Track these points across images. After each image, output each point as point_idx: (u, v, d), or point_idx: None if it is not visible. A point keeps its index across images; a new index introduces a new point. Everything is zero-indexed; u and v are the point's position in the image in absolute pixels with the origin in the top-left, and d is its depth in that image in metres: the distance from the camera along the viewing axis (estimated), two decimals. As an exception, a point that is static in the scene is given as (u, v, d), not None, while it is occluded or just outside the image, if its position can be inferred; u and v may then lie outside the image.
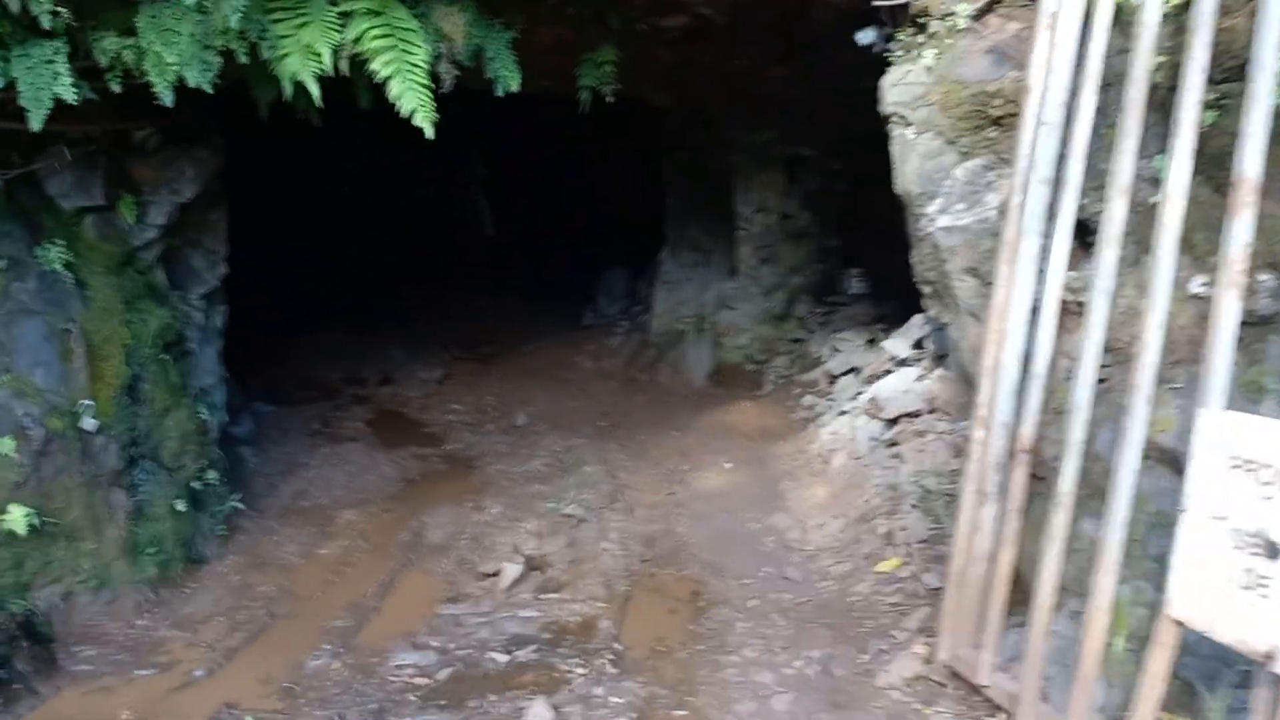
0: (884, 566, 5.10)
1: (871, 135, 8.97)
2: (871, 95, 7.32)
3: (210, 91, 4.51)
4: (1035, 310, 3.88)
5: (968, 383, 5.14)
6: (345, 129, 15.91)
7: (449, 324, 13.83)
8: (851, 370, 7.69)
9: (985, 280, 4.64)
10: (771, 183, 8.80)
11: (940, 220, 4.84)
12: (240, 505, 6.44)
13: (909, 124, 4.97)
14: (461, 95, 5.20)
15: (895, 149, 5.04)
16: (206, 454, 6.30)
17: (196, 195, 6.33)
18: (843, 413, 6.85)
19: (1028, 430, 3.77)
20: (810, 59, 6.37)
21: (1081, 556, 3.60)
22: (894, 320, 8.22)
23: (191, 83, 4.44)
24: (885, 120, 5.15)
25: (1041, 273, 3.89)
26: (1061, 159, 3.81)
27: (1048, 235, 3.86)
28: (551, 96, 8.08)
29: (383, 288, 16.79)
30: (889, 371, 6.60)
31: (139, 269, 6.07)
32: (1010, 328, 3.90)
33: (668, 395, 9.42)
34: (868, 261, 8.92)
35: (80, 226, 5.70)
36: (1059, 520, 3.55)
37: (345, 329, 13.37)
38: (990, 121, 4.66)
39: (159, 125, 6.10)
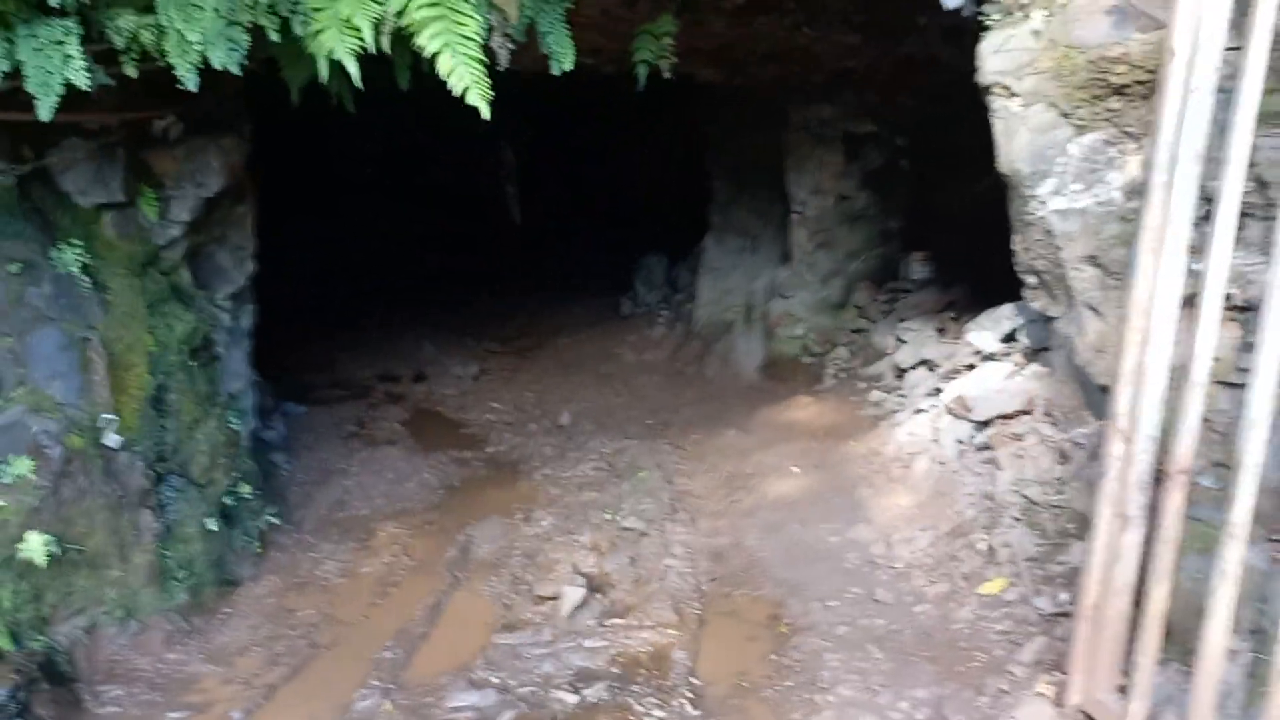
0: (988, 588, 4.60)
1: (940, 109, 8.49)
2: (945, 64, 6.75)
3: (238, 73, 4.04)
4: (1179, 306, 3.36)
5: (1081, 384, 4.63)
6: (368, 115, 15.50)
7: (482, 316, 13.39)
8: (923, 363, 7.16)
9: (1109, 270, 4.12)
10: (828, 162, 8.26)
11: (1053, 203, 4.32)
12: (275, 520, 6.01)
13: (1014, 95, 4.44)
14: (499, 76, 4.71)
15: (998, 123, 4.51)
16: (239, 466, 5.88)
17: (223, 188, 5.87)
18: (920, 411, 6.33)
19: (1185, 448, 3.26)
20: (884, 25, 5.83)
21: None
22: (964, 307, 7.68)
23: (217, 64, 3.97)
24: (984, 91, 4.62)
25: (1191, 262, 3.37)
26: (1217, 132, 3.28)
27: (1199, 220, 3.33)
28: (591, 75, 7.63)
29: (412, 277, 16.37)
30: (972, 366, 6.07)
31: (163, 269, 5.64)
32: (1157, 326, 3.38)
33: (718, 390, 8.92)
34: (932, 245, 8.38)
35: (99, 225, 5.28)
36: (1232, 554, 3.05)
37: (376, 322, 12.97)
38: (1112, 90, 4.13)
39: (181, 113, 5.65)
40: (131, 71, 4.19)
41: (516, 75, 5.07)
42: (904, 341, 7.62)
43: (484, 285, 15.79)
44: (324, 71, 4.17)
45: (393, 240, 17.50)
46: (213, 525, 5.35)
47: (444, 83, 3.99)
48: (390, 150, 18.53)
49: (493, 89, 4.07)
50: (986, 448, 5.40)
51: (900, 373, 7.32)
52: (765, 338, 8.83)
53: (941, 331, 7.43)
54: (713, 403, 8.55)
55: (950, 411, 5.78)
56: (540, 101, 19.60)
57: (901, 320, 7.84)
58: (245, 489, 5.82)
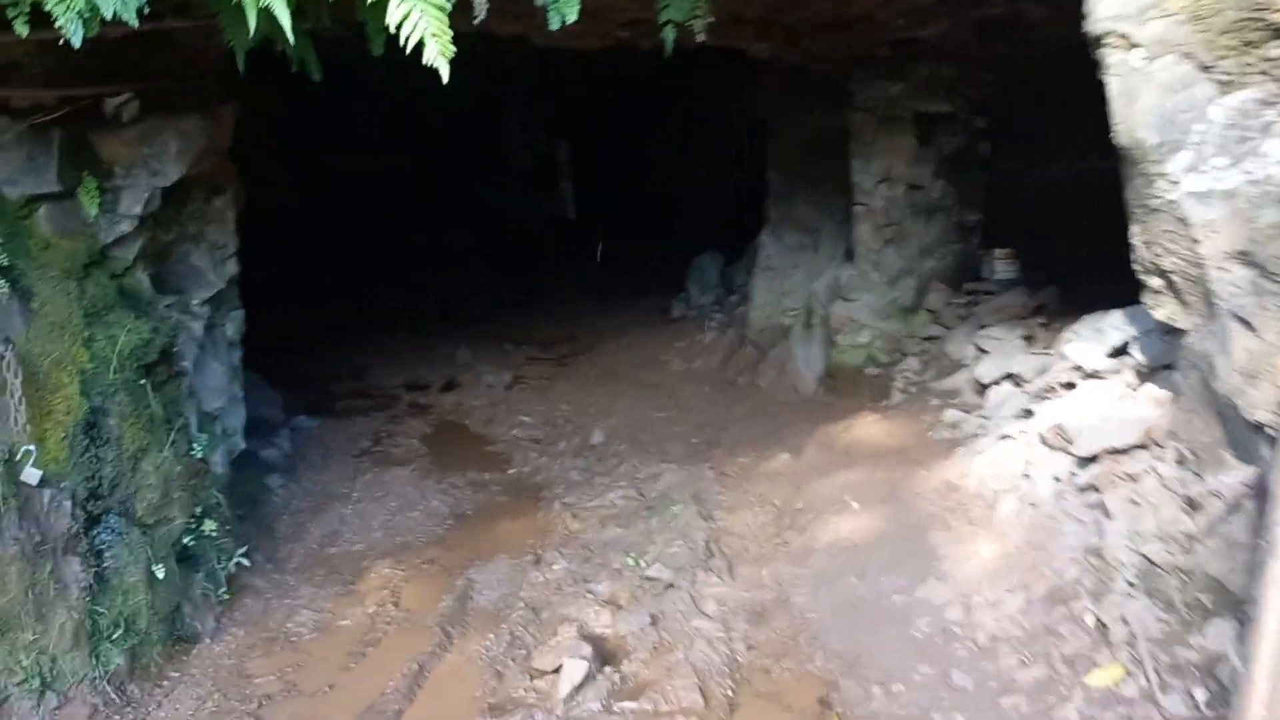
0: (1099, 678, 3.58)
1: (1027, 81, 7.41)
2: (1034, 26, 5.71)
3: (135, 24, 3.21)
4: None
5: (1220, 416, 3.58)
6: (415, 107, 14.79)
7: (523, 318, 12.61)
8: (1008, 378, 6.12)
9: (1266, 270, 3.09)
10: (898, 147, 7.24)
11: (1188, 182, 3.30)
12: (245, 561, 5.19)
13: (1134, 45, 3.43)
14: (536, 60, 3.84)
15: (1114, 84, 3.50)
16: (202, 499, 5.07)
17: (186, 176, 5.08)
18: (1006, 437, 5.30)
19: None
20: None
21: None
22: (1056, 313, 6.62)
23: (107, 12, 3.14)
24: (1094, 45, 3.61)
25: None
26: None
27: None
28: (634, 55, 6.79)
29: (450, 279, 15.64)
30: (1071, 385, 5.03)
31: (113, 272, 4.85)
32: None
33: (772, 404, 7.95)
34: (1017, 240, 7.32)
35: (31, 220, 4.50)
36: None
37: (414, 325, 12.25)
38: (1272, 33, 3.12)
39: (141, 89, 4.88)
40: (20, 29, 3.40)
41: (570, 66, 4.26)
42: (985, 352, 6.57)
43: (532, 287, 15.01)
44: (252, 21, 3.31)
45: (438, 240, 16.82)
46: (161, 573, 4.55)
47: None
48: (441, 147, 17.80)
49: (545, 81, 3.18)
50: (1091, 489, 4.37)
51: (981, 389, 6.28)
52: (826, 345, 7.83)
53: (1030, 340, 6.38)
54: (765, 419, 7.58)
55: (1045, 441, 4.76)
56: (594, 96, 18.87)
57: (982, 327, 6.79)
58: (210, 526, 5.02)
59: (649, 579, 4.88)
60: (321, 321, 12.82)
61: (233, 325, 5.99)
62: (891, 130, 7.22)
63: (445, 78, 3.13)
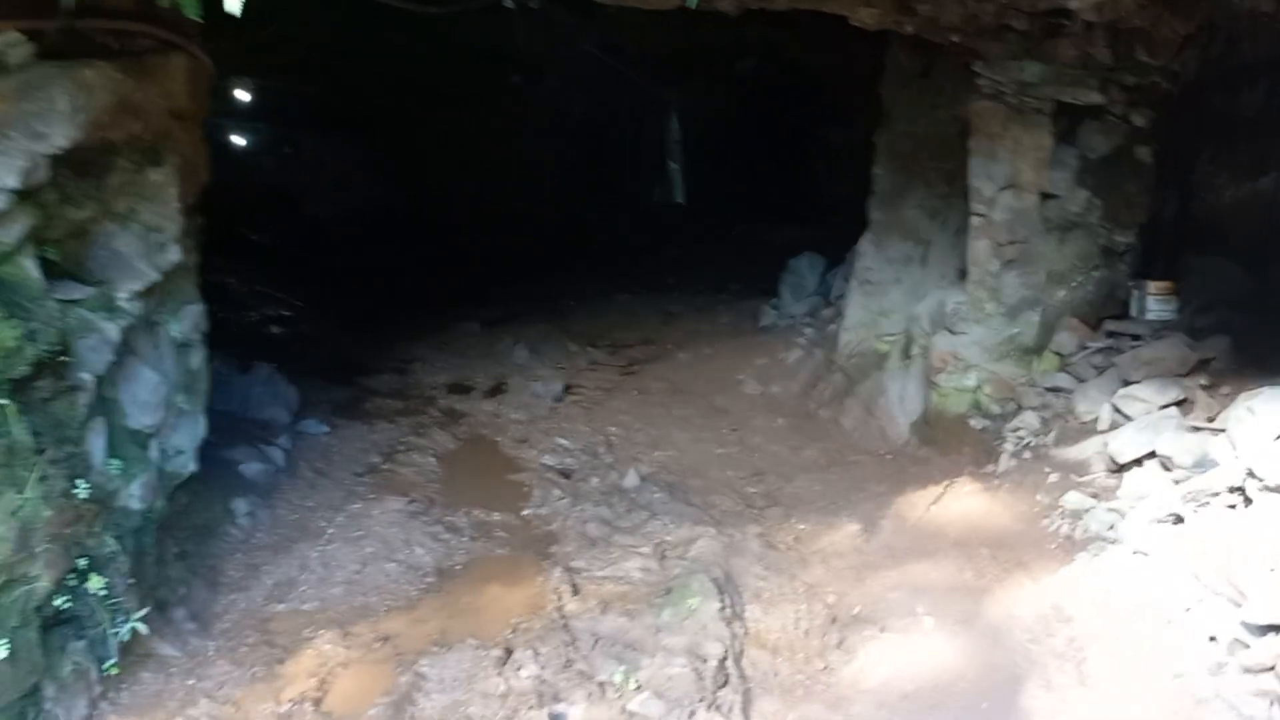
0: None
1: (1222, 64, 5.73)
2: None
3: None
4: None
5: None
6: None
7: (602, 314, 11.46)
8: (1151, 457, 4.67)
9: None
10: (1031, 145, 5.76)
11: None
12: (142, 628, 4.15)
13: None
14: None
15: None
16: (91, 548, 4.04)
17: (98, 141, 4.04)
18: (1143, 554, 3.87)
19: None
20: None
21: None
22: (1223, 372, 5.10)
23: None
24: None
25: None
26: None
27: None
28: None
29: (537, 268, 14.64)
30: (1244, 495, 3.57)
31: (-14, 258, 3.84)
32: None
33: (852, 450, 6.59)
34: (1180, 270, 5.79)
35: None
36: None
37: (483, 315, 11.24)
38: None
39: (36, 29, 3.86)
40: None
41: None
42: (1125, 417, 5.11)
43: (617, 277, 13.86)
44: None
45: (527, 224, 15.81)
46: (4, 649, 3.52)
47: None
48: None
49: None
50: (1268, 671, 2.94)
51: (1116, 468, 4.82)
52: (925, 384, 6.40)
53: (1186, 409, 4.90)
54: (840, 470, 6.24)
55: (1201, 578, 3.32)
56: (706, 77, 17.53)
57: (1125, 383, 5.31)
58: (97, 583, 3.99)
59: (631, 714, 3.63)
60: (399, 307, 12.03)
61: (182, 324, 4.98)
62: (1023, 124, 5.75)
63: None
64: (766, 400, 7.81)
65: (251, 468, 6.07)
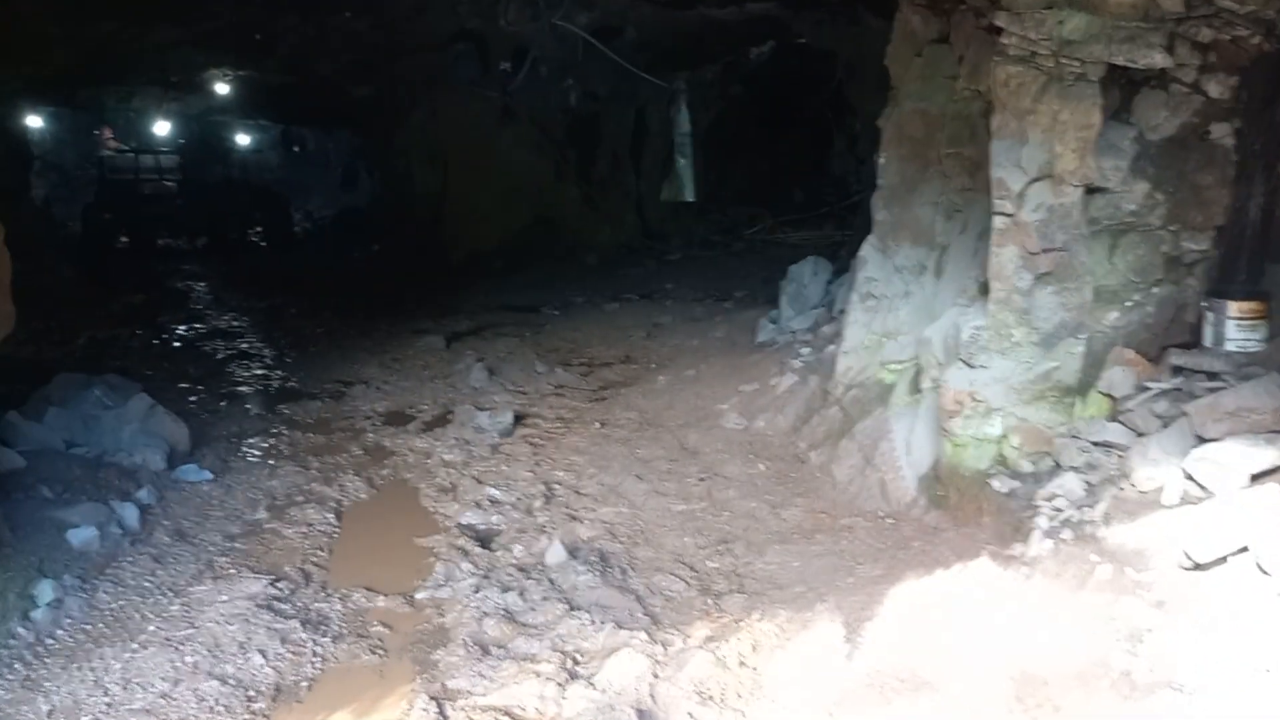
0: None
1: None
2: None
3: None
4: None
5: None
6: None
7: (579, 325, 10.23)
8: (1243, 552, 3.31)
9: None
10: (1072, 122, 4.38)
11: None
12: None
13: None
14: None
15: None
16: None
17: None
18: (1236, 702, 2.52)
19: None
20: None
21: None
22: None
23: None
24: None
25: None
26: None
27: None
28: None
29: (517, 272, 13.41)
30: None
31: None
32: None
33: (844, 511, 5.25)
34: (1264, 284, 4.42)
35: None
36: None
37: (447, 328, 10.02)
38: None
39: None
40: None
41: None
42: (1203, 489, 3.76)
43: (615, 285, 12.58)
44: None
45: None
46: None
47: None
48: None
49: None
50: None
51: (1193, 566, 3.46)
52: (937, 427, 5.04)
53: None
54: (827, 539, 4.90)
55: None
56: (728, 63, 16.19)
57: (1201, 439, 3.95)
58: None
59: None
60: (363, 316, 10.89)
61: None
62: (1063, 95, 4.38)
63: None
64: (748, 439, 6.47)
65: (83, 534, 4.85)
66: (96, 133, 20.79)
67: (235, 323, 11.28)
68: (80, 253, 16.04)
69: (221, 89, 17.01)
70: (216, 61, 15.46)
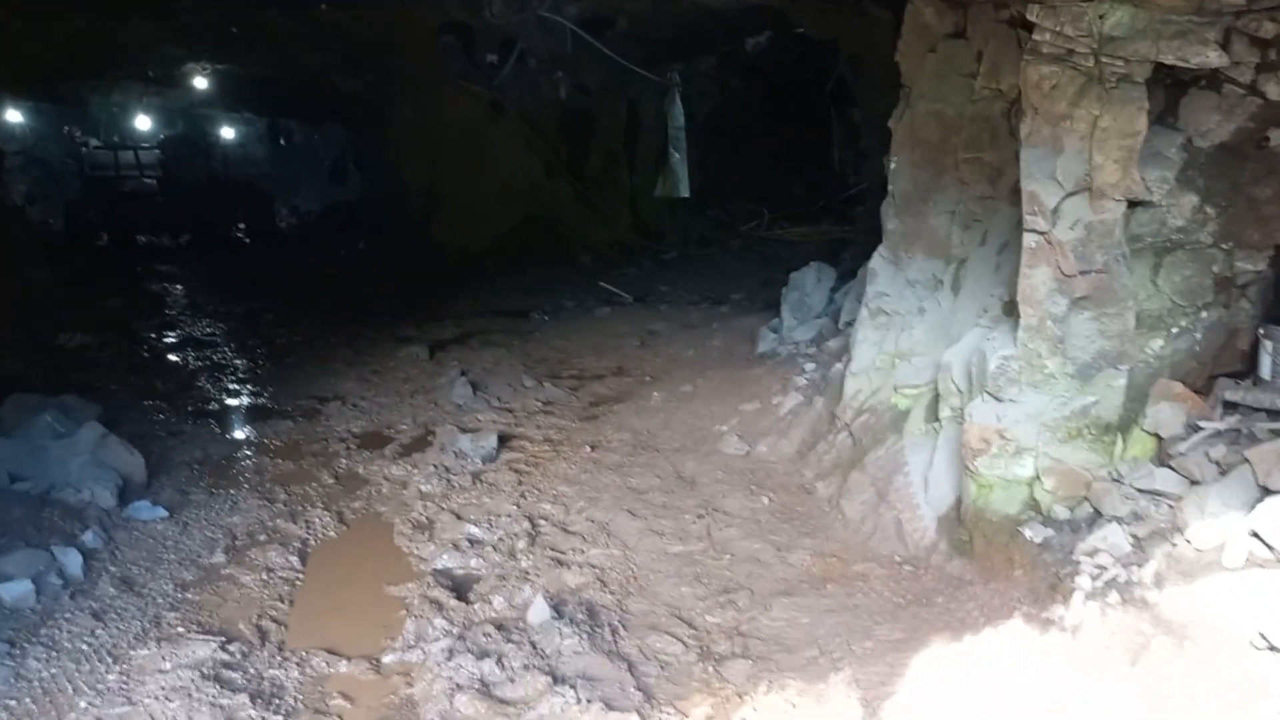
0: None
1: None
2: None
3: None
4: None
5: None
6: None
7: (570, 333, 9.76)
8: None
9: None
10: (1114, 129, 3.90)
11: None
12: None
13: None
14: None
15: None
16: None
17: None
18: None
19: None
20: None
21: None
22: None
23: None
24: None
25: None
26: None
27: None
28: None
29: (507, 274, 12.91)
30: None
31: None
32: None
33: (857, 555, 4.78)
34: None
35: None
36: None
37: (431, 336, 9.54)
38: None
39: None
40: None
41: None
42: (1271, 549, 3.30)
43: (615, 285, 12.11)
44: None
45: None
46: None
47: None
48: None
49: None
50: None
51: (1269, 648, 2.99)
52: (960, 465, 4.57)
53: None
54: (839, 589, 4.43)
55: None
56: (724, 54, 15.65)
57: (1268, 490, 3.48)
58: None
59: None
60: (344, 323, 10.40)
61: None
62: (1104, 99, 3.90)
63: None
64: (750, 466, 6.01)
65: (16, 589, 4.39)
66: (66, 129, 20.23)
67: (210, 330, 10.77)
68: (60, 252, 15.51)
69: (202, 83, 16.48)
70: (196, 55, 14.94)
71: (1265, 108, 3.96)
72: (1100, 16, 3.81)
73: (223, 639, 4.21)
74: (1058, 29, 3.89)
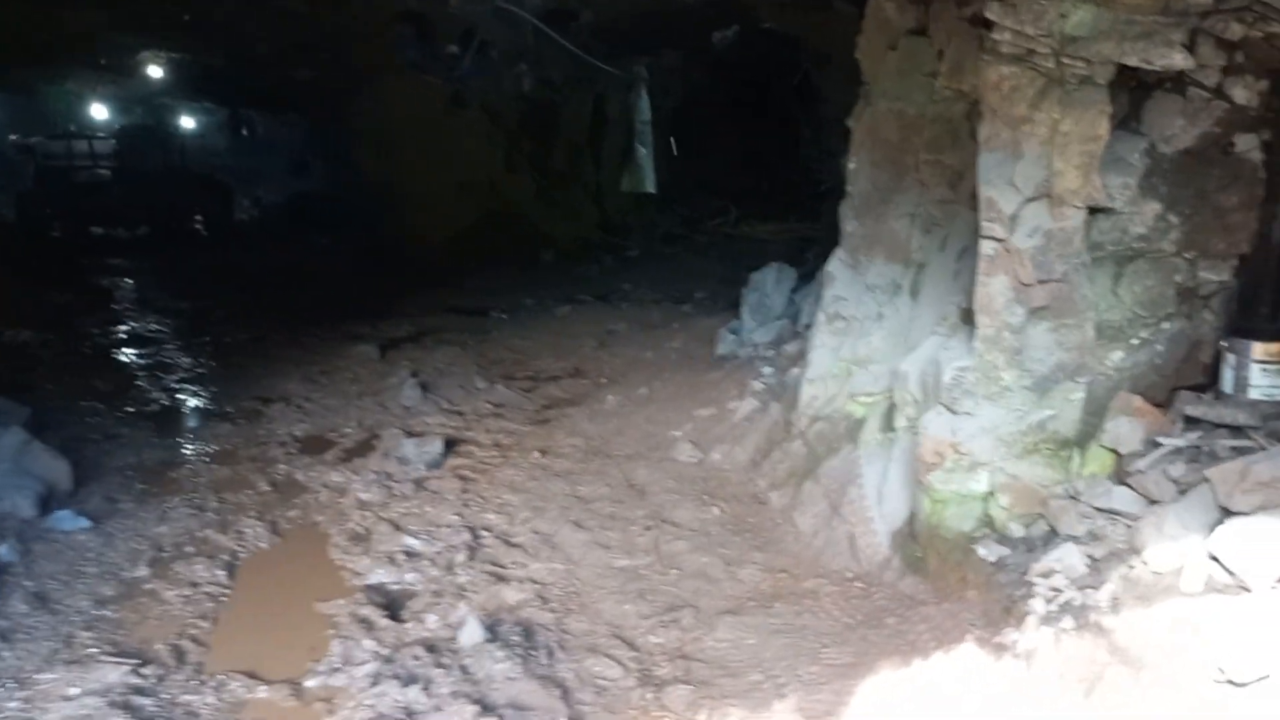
0: None
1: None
2: None
3: None
4: None
5: None
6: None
7: (527, 332, 9.54)
8: (1291, 670, 2.71)
9: None
10: (1075, 133, 3.74)
11: None
12: None
13: None
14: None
15: None
16: None
17: None
18: None
19: None
20: None
21: None
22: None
23: None
24: None
25: None
26: None
27: None
28: None
29: (466, 270, 12.67)
30: None
31: None
32: None
33: (808, 570, 4.62)
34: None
35: None
36: None
37: (383, 334, 9.29)
38: None
39: None
40: None
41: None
42: (1233, 577, 3.14)
43: (569, 284, 11.89)
44: None
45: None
46: None
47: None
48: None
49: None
50: None
51: (1228, 682, 2.84)
52: (914, 478, 4.41)
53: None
54: (788, 608, 4.27)
55: None
56: (690, 48, 15.43)
57: (1228, 512, 3.33)
58: None
59: None
60: (296, 319, 10.13)
61: None
62: (1065, 102, 3.74)
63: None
64: (703, 474, 5.83)
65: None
66: (18, 119, 19.74)
67: (157, 327, 10.45)
68: (10, 245, 15.10)
69: (157, 72, 16.08)
70: (147, 44, 14.57)
71: (1232, 112, 3.81)
72: (1062, 15, 3.64)
73: (137, 661, 3.99)
74: (1018, 28, 3.72)
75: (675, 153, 16.47)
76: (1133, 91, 3.89)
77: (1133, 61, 3.62)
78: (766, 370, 6.75)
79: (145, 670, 3.93)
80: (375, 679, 3.83)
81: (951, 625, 3.81)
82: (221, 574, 4.85)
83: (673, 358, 8.22)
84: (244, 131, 25.18)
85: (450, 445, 6.45)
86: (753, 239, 14.97)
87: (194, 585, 4.72)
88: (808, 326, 6.65)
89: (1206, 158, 3.86)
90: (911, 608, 4.06)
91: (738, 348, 7.77)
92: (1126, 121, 3.90)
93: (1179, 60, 3.59)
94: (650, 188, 16.39)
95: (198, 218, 18.81)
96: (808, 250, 10.19)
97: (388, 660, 3.98)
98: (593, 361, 8.55)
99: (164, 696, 3.80)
